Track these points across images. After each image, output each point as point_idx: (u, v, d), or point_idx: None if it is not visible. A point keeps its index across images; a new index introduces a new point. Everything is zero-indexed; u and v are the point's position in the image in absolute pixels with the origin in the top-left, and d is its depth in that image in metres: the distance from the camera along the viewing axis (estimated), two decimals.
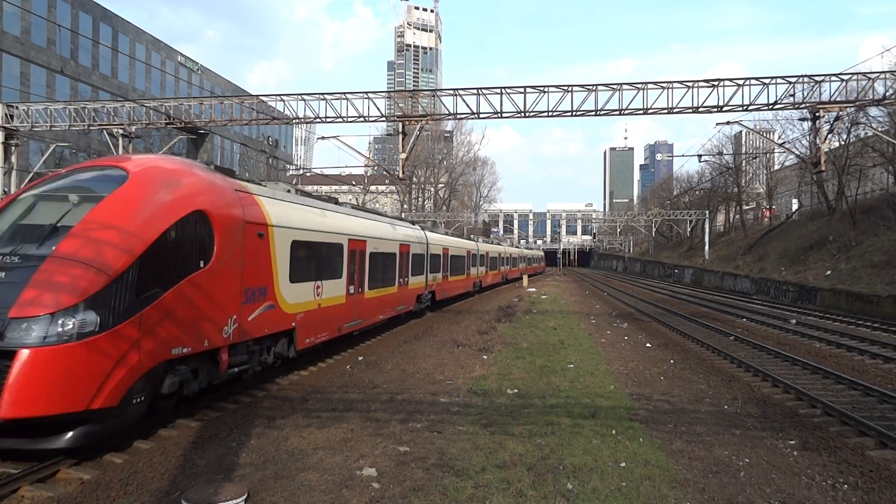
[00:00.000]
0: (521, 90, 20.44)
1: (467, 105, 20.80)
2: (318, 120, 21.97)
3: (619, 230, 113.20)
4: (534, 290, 46.27)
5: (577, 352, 16.35)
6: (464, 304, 32.25)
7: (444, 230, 41.17)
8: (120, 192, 8.15)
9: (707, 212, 70.86)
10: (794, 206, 66.05)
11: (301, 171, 76.01)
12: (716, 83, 19.86)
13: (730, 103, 19.75)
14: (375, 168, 65.98)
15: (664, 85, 20.12)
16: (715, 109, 19.87)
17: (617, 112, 20.16)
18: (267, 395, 11.24)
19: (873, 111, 40.40)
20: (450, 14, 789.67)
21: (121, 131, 24.87)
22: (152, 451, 8.07)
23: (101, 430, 7.34)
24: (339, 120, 21.65)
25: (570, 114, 20.20)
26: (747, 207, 76.38)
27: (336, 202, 15.75)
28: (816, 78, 19.34)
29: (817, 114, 19.35)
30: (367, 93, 21.48)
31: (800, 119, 23.77)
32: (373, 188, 74.25)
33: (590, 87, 20.33)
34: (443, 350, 16.19)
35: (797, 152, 39.92)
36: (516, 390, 11.59)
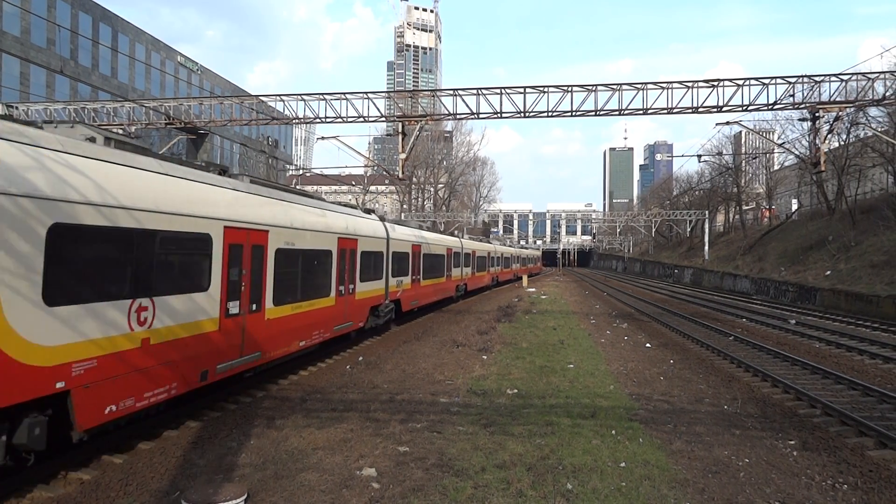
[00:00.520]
0: (521, 90, 20.44)
1: (467, 105, 20.80)
2: (318, 120, 21.96)
3: (618, 230, 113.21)
4: (533, 290, 46.26)
5: (576, 352, 16.35)
6: (463, 305, 32.24)
7: (419, 223, 30.50)
8: None
9: (707, 212, 70.85)
10: (794, 207, 66.06)
11: (301, 172, 76.03)
12: (715, 83, 19.86)
13: (729, 103, 19.75)
14: (375, 168, 65.99)
15: (664, 85, 20.12)
16: (715, 110, 19.86)
17: (617, 112, 20.16)
18: (266, 395, 11.24)
19: (873, 111, 40.46)
20: (450, 14, 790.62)
21: (120, 131, 24.85)
22: (152, 451, 8.07)
23: None
24: (339, 120, 21.64)
25: (569, 114, 20.19)
26: (747, 207, 76.37)
27: (182, 164, 9.36)
28: (816, 78, 19.35)
29: (817, 114, 19.35)
30: (366, 93, 21.47)
31: (799, 119, 23.78)
32: (372, 188, 74.26)
33: (589, 88, 20.32)
34: (442, 350, 16.19)
35: (797, 152, 39.95)
36: (516, 390, 11.59)
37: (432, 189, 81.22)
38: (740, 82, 19.79)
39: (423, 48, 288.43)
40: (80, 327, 6.68)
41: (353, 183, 68.77)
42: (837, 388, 12.40)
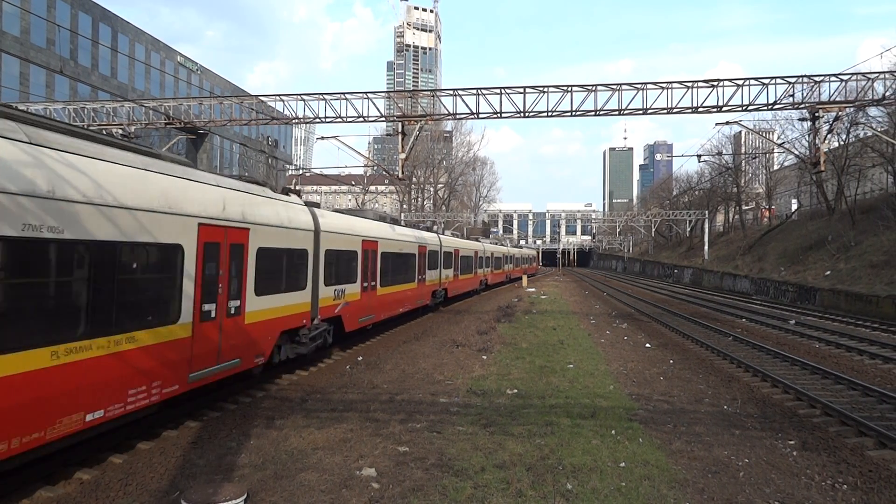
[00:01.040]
0: (521, 90, 20.44)
1: (467, 105, 20.80)
2: (318, 120, 21.96)
3: (618, 230, 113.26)
4: (533, 290, 46.27)
5: (576, 352, 16.35)
6: (462, 305, 32.24)
7: (386, 216, 23.11)
8: None
9: (706, 212, 70.86)
10: (794, 206, 66.07)
11: (301, 172, 76.05)
12: (715, 83, 19.87)
13: (729, 103, 19.75)
14: (375, 168, 65.99)
15: (664, 85, 20.12)
16: (714, 109, 19.87)
17: (616, 112, 20.16)
18: (266, 396, 11.24)
19: (873, 111, 40.48)
20: (449, 14, 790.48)
21: (120, 131, 24.84)
22: (152, 451, 8.07)
23: None
24: (339, 120, 21.64)
25: (569, 114, 20.19)
26: (747, 207, 76.39)
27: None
28: (816, 78, 19.35)
29: (817, 114, 19.35)
30: (366, 93, 21.47)
31: (799, 119, 23.79)
32: (372, 188, 74.28)
33: (589, 88, 20.33)
34: (442, 350, 16.19)
35: (797, 152, 39.95)
36: (516, 390, 11.59)
37: (432, 189, 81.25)
38: (740, 82, 19.79)
39: (422, 48, 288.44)
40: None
41: (353, 183, 68.79)
42: (837, 389, 12.40)
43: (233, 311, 9.82)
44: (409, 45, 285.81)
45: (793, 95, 19.64)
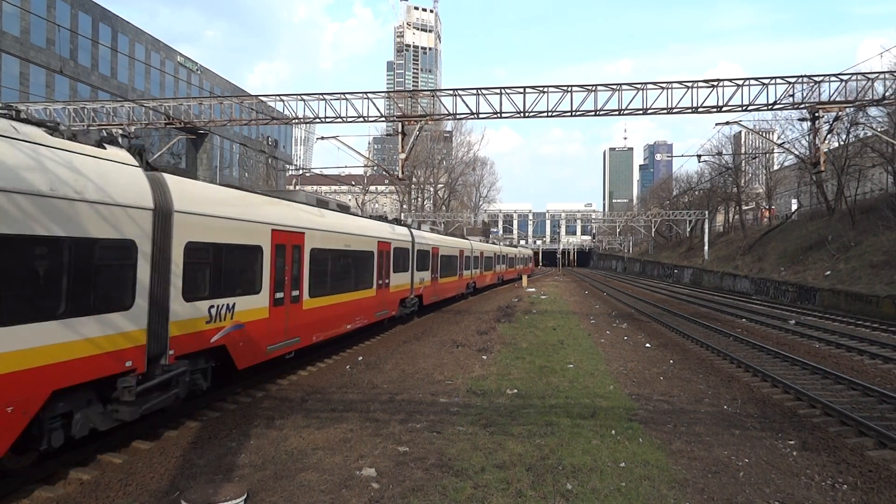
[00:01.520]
0: (521, 90, 20.44)
1: (467, 105, 20.79)
2: (318, 120, 21.96)
3: (618, 230, 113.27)
4: (533, 290, 46.28)
5: (576, 352, 16.35)
6: (463, 305, 32.23)
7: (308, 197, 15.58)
8: None
9: (706, 212, 70.86)
10: (794, 207, 66.07)
11: (300, 172, 76.05)
12: (715, 83, 19.86)
13: (729, 103, 19.74)
14: (375, 168, 65.99)
15: (663, 85, 20.12)
16: (714, 110, 19.86)
17: (616, 112, 20.15)
18: (266, 396, 11.24)
19: (873, 111, 40.48)
20: (449, 14, 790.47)
21: (120, 131, 24.84)
22: (151, 451, 8.07)
23: None
24: (339, 120, 21.63)
25: (569, 114, 20.19)
26: (747, 208, 76.39)
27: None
28: (816, 78, 19.34)
29: (817, 114, 19.34)
30: (366, 93, 21.47)
31: (799, 119, 23.83)
32: (372, 188, 74.27)
33: (589, 88, 20.32)
34: (442, 350, 16.19)
35: (796, 152, 39.93)
36: (516, 390, 11.59)
37: (432, 189, 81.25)
38: (740, 82, 19.79)
39: (422, 48, 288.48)
40: None
41: (353, 183, 68.79)
42: (837, 389, 12.40)
43: None
44: (409, 45, 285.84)
45: (793, 95, 19.64)
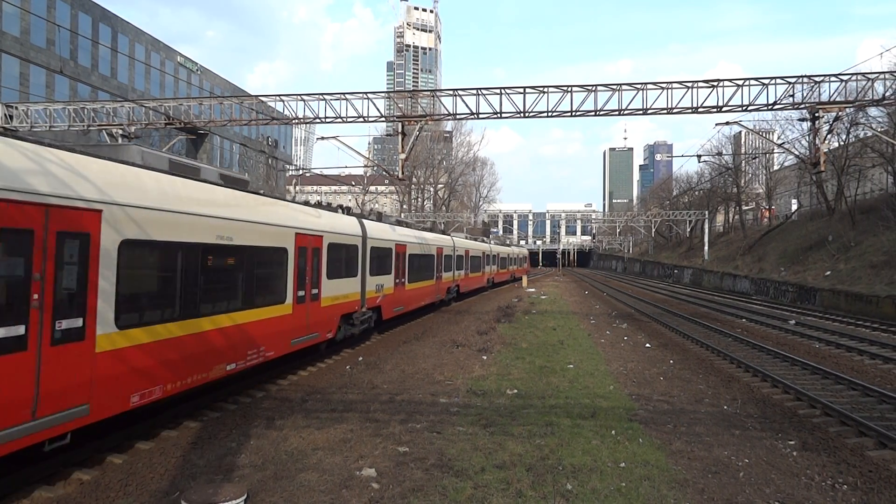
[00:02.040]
0: (521, 90, 20.43)
1: (467, 105, 20.78)
2: (318, 120, 21.94)
3: (618, 230, 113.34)
4: (533, 290, 46.29)
5: (576, 352, 16.35)
6: (462, 305, 32.23)
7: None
8: None
9: (706, 212, 70.88)
10: (794, 207, 66.08)
11: (300, 172, 76.07)
12: (715, 83, 19.86)
13: (729, 104, 19.73)
14: (375, 168, 65.98)
15: (664, 85, 20.11)
16: (714, 110, 19.85)
17: (616, 112, 20.14)
18: (266, 396, 11.24)
19: (873, 111, 40.48)
20: (449, 14, 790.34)
21: (120, 132, 24.84)
22: (151, 451, 8.07)
23: None
24: (339, 120, 21.62)
25: (569, 114, 20.18)
26: (747, 208, 76.40)
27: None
28: (816, 78, 19.33)
29: (817, 114, 19.34)
30: (366, 93, 21.46)
31: (799, 119, 23.78)
32: (372, 188, 74.30)
33: (589, 88, 20.32)
34: (442, 350, 16.19)
35: (796, 152, 39.92)
36: (516, 391, 11.58)
37: (432, 189, 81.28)
38: (740, 82, 19.79)
39: (422, 48, 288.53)
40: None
41: (353, 183, 68.80)
42: (837, 389, 12.40)
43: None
44: (409, 46, 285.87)
45: (793, 95, 19.63)
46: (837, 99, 19.36)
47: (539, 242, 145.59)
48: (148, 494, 6.58)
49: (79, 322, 6.84)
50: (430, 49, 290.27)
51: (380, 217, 21.33)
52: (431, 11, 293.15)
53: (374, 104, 21.52)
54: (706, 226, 69.16)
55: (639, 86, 20.11)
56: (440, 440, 8.38)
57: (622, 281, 69.23)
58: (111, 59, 46.25)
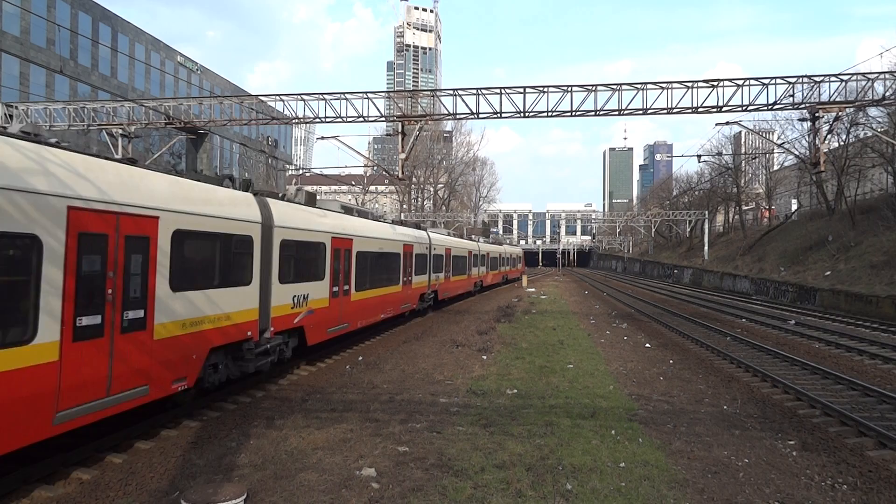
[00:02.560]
0: (521, 90, 20.44)
1: (467, 105, 20.80)
2: (318, 120, 21.97)
3: (618, 230, 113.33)
4: (533, 290, 46.30)
5: (576, 352, 16.35)
6: (463, 305, 32.21)
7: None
8: None
9: (706, 212, 70.89)
10: (794, 207, 66.11)
11: (300, 172, 76.07)
12: (715, 83, 19.87)
13: (729, 103, 19.75)
14: (375, 168, 65.97)
15: (664, 85, 20.12)
16: (714, 110, 19.87)
17: (616, 112, 20.16)
18: (266, 396, 11.24)
19: (873, 111, 40.49)
20: (449, 14, 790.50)
21: (120, 131, 24.85)
22: (151, 451, 8.07)
23: None
24: (339, 120, 21.64)
25: (569, 114, 20.19)
26: (746, 208, 76.43)
27: None
28: (816, 78, 19.35)
29: (817, 114, 19.35)
30: (366, 93, 21.47)
31: (799, 119, 23.79)
32: (372, 188, 74.30)
33: (589, 88, 20.32)
34: (442, 350, 16.19)
35: (796, 153, 39.99)
36: (516, 390, 11.58)
37: (432, 189, 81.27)
38: (740, 82, 19.80)
39: (422, 48, 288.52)
40: None
41: (353, 183, 68.79)
42: (837, 389, 12.40)
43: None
44: (409, 45, 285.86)
45: (793, 95, 19.65)
46: (837, 99, 19.37)
47: (539, 242, 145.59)
48: (148, 494, 6.58)
49: (141, 313, 7.98)
50: (430, 49, 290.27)
51: (312, 200, 14.85)
52: (431, 11, 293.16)
53: (374, 104, 21.54)
54: (706, 226, 69.18)
55: (639, 86, 20.12)
56: (440, 440, 8.37)
57: (622, 281, 69.23)
58: (111, 58, 46.25)
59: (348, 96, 21.51)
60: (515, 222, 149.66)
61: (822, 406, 10.67)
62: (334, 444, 8.15)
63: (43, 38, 40.22)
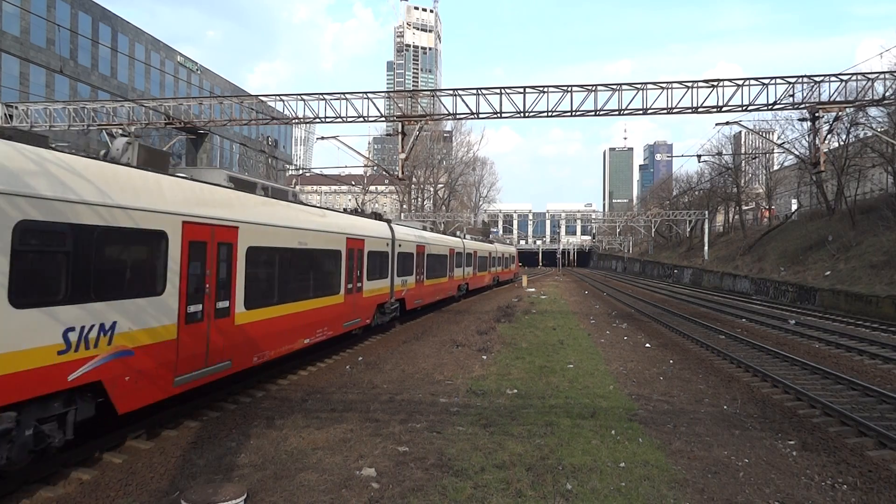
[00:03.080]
0: (521, 90, 20.44)
1: (466, 105, 20.80)
2: (318, 120, 21.96)
3: (618, 230, 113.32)
4: (533, 290, 46.30)
5: (576, 352, 16.35)
6: (463, 305, 32.22)
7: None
8: None
9: (706, 212, 70.89)
10: (794, 207, 66.09)
11: (300, 172, 76.10)
12: (715, 83, 19.87)
13: (729, 103, 19.75)
14: (375, 168, 65.97)
15: (664, 85, 20.12)
16: (714, 110, 19.87)
17: (616, 112, 20.16)
18: (266, 396, 11.24)
19: (873, 111, 40.48)
20: (449, 14, 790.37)
21: (120, 131, 24.80)
22: (151, 451, 8.07)
23: None
24: (339, 120, 21.64)
25: (569, 114, 20.19)
26: (746, 208, 76.42)
27: None
28: (816, 78, 19.35)
29: (817, 114, 19.35)
30: (366, 93, 21.47)
31: (799, 119, 23.79)
32: (372, 188, 74.31)
33: (589, 88, 20.32)
34: (442, 350, 16.19)
35: (796, 152, 39.99)
36: (516, 390, 11.58)
37: (432, 189, 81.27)
38: (740, 82, 19.80)
39: (422, 48, 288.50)
40: None
41: (353, 183, 68.79)
42: (837, 389, 12.40)
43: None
44: (409, 45, 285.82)
45: (793, 95, 19.64)
46: (837, 99, 19.37)
47: (539, 242, 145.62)
48: (148, 494, 6.58)
49: (226, 303, 10.01)
50: (430, 49, 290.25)
51: (158, 160, 9.84)
52: (431, 11, 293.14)
53: (374, 104, 21.54)
54: (706, 226, 69.18)
55: (639, 86, 20.12)
56: (440, 440, 8.37)
57: (622, 281, 69.23)
58: (111, 58, 46.24)
59: (348, 96, 21.51)
60: (515, 222, 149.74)
61: (822, 406, 10.67)
62: (334, 444, 8.15)
63: (43, 38, 40.21)
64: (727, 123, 22.98)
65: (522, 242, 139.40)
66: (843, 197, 48.10)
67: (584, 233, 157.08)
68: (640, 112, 20.10)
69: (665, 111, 20.14)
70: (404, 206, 72.98)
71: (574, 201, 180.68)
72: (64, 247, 6.84)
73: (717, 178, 70.09)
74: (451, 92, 21.21)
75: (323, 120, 21.86)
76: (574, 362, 14.71)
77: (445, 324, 22.70)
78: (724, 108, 19.82)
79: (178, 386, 8.73)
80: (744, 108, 19.72)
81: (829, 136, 20.38)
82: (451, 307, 30.18)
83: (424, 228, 27.84)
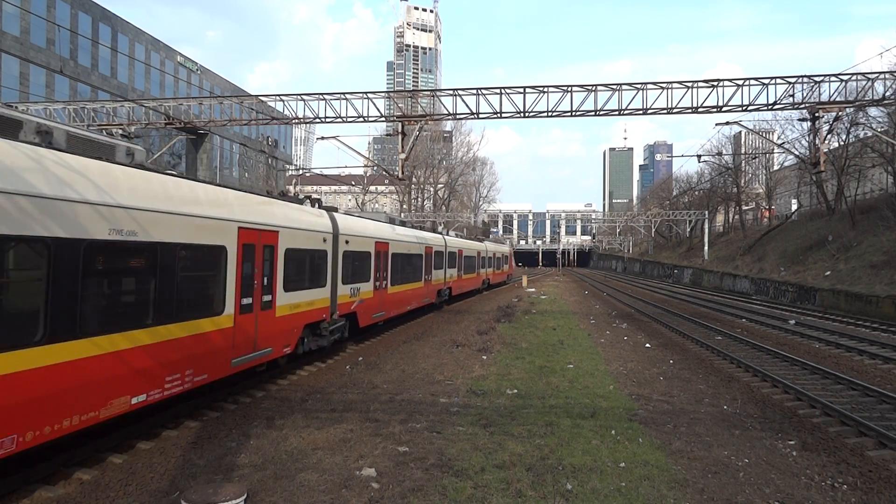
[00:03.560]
0: (521, 90, 20.43)
1: (466, 105, 20.79)
2: (318, 120, 21.95)
3: (618, 230, 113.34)
4: (533, 290, 46.30)
5: (576, 352, 16.35)
6: (463, 305, 32.21)
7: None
8: None
9: (706, 212, 70.89)
10: (794, 207, 66.10)
11: (300, 172, 76.08)
12: (715, 83, 19.87)
13: (729, 103, 19.75)
14: (375, 168, 65.97)
15: (664, 85, 20.12)
16: (714, 110, 19.86)
17: (616, 112, 20.15)
18: (266, 396, 11.25)
19: (873, 111, 40.50)
20: (449, 14, 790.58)
21: (120, 131, 24.83)
22: (151, 451, 8.07)
23: None
24: (339, 120, 21.63)
25: (569, 114, 20.18)
26: (746, 208, 76.43)
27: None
28: (816, 78, 19.34)
29: (817, 114, 19.35)
30: (366, 93, 21.47)
31: (799, 119, 23.76)
32: (372, 188, 74.32)
33: (589, 88, 20.32)
34: (442, 350, 16.19)
35: (796, 152, 40.00)
36: (516, 390, 11.59)
37: (432, 189, 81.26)
38: (740, 82, 19.79)
39: (422, 48, 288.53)
40: None
41: (353, 183, 68.80)
42: (837, 389, 12.40)
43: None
44: (409, 46, 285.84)
45: (793, 95, 19.64)
46: (837, 99, 19.37)
47: (539, 242, 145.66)
48: (148, 494, 6.58)
49: (269, 297, 11.55)
50: (430, 49, 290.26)
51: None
52: (431, 11, 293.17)
53: (374, 104, 21.53)
54: (706, 226, 69.19)
55: (639, 86, 20.11)
56: (440, 440, 8.38)
57: (622, 281, 69.23)
58: (111, 58, 46.25)
59: (348, 96, 21.50)
60: (515, 222, 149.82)
61: (822, 406, 10.67)
62: (334, 444, 8.15)
63: (43, 38, 40.22)
64: (727, 123, 22.98)
65: (522, 242, 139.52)
66: (843, 197, 48.10)
67: (584, 233, 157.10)
68: (640, 112, 20.10)
69: (665, 111, 20.13)
70: (404, 206, 72.98)
71: (574, 201, 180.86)
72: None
73: (717, 178, 70.12)
74: (451, 92, 21.21)
75: (323, 120, 21.86)
76: (574, 362, 14.71)
77: (445, 324, 22.71)
78: (724, 108, 19.81)
79: (373, 319, 17.99)
80: (744, 108, 19.71)
81: (829, 136, 20.39)
82: (452, 307, 30.18)
83: (393, 222, 23.08)
